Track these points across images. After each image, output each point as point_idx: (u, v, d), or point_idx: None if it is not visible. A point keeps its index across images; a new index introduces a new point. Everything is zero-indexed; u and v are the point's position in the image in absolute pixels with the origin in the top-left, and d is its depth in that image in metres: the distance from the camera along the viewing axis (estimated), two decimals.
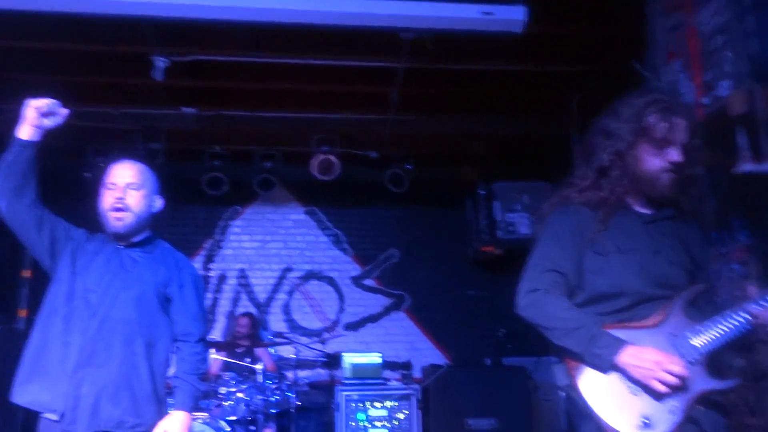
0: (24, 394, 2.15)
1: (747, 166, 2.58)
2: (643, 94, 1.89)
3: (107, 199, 2.29)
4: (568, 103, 4.87)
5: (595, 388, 1.68)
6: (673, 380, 1.62)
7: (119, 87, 4.73)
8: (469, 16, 3.08)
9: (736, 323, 1.67)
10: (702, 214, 1.90)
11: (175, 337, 2.35)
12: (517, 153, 5.90)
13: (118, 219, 2.27)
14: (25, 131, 2.14)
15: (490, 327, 5.72)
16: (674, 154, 1.78)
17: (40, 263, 2.30)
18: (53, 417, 2.12)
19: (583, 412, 1.69)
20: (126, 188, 2.30)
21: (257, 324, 5.51)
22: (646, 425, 1.62)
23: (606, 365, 1.67)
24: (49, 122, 2.16)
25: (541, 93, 4.95)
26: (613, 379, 1.68)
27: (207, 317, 2.53)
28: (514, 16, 3.10)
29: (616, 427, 1.63)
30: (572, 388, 1.72)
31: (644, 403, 1.65)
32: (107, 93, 4.71)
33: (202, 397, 2.34)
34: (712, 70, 2.80)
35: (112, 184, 2.30)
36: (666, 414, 1.64)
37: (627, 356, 1.65)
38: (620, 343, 1.68)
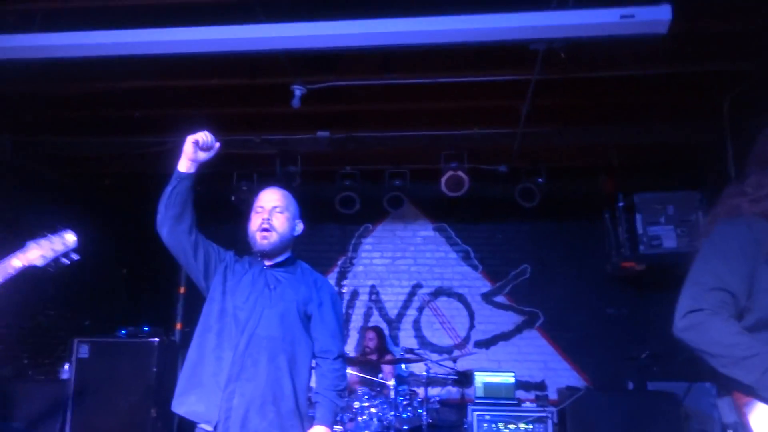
0: (182, 404, 2.32)
1: None
2: None
3: (255, 221, 2.47)
4: (719, 104, 4.45)
5: None
6: None
7: (260, 116, 5.05)
8: (606, 21, 2.91)
9: None
10: None
11: (314, 354, 2.44)
12: (661, 161, 5.51)
13: (264, 238, 2.43)
14: (184, 164, 2.34)
15: (631, 348, 5.35)
16: None
17: (195, 283, 2.50)
18: (208, 428, 2.27)
19: None
20: (272, 211, 2.46)
21: (383, 337, 5.58)
22: None
23: None
24: (204, 155, 2.36)
25: (686, 96, 4.57)
26: None
27: (345, 335, 2.61)
28: (659, 17, 2.86)
29: None
30: (742, 427, 1.54)
31: None
32: (249, 122, 5.06)
33: (340, 412, 2.41)
34: None
35: (260, 207, 2.48)
36: None
37: None
38: None
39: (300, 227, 2.55)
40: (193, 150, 2.32)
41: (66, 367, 4.82)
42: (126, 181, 6.00)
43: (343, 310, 6.21)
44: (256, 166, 5.55)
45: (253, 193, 2.62)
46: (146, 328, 4.84)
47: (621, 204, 5.47)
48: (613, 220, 5.59)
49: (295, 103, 4.02)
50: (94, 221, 5.54)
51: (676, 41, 3.27)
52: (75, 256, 2.52)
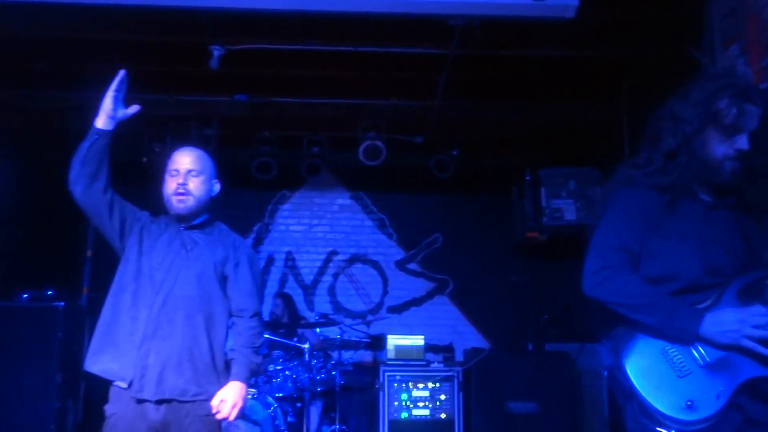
0: (96, 363, 2.32)
1: None
2: (715, 77, 1.85)
3: (170, 185, 2.45)
4: (619, 88, 4.80)
5: (641, 368, 1.70)
6: (765, 333, 1.63)
7: (175, 75, 4.88)
8: (520, 2, 3.08)
9: None
10: (766, 204, 1.85)
11: (231, 313, 2.48)
12: (565, 139, 5.84)
13: (180, 201, 2.43)
14: (102, 120, 2.29)
15: (532, 313, 5.73)
16: (741, 142, 1.74)
17: (110, 244, 2.47)
18: (122, 384, 2.29)
19: (626, 392, 1.72)
20: (187, 174, 2.45)
21: (291, 303, 5.64)
22: (689, 407, 1.65)
23: (690, 337, 1.68)
24: (123, 113, 2.31)
25: (590, 78, 4.87)
26: (659, 360, 1.71)
27: (261, 294, 2.68)
28: (567, 2, 3.07)
29: (659, 408, 1.65)
30: (617, 368, 1.74)
31: (690, 386, 1.67)
32: (164, 81, 4.86)
33: (256, 369, 2.48)
34: None
35: (175, 170, 2.46)
36: (711, 398, 1.66)
37: (710, 324, 1.66)
38: (700, 314, 1.68)
39: (217, 187, 2.56)
40: (113, 106, 2.26)
41: None
42: (26, 137, 5.63)
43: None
44: (169, 128, 5.38)
45: (166, 156, 2.59)
46: (50, 292, 4.64)
47: (528, 178, 5.79)
48: (521, 192, 5.91)
49: (213, 63, 3.94)
50: None
51: (583, 26, 3.49)
52: None
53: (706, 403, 1.65)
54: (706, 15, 3.11)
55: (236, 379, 2.39)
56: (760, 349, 1.63)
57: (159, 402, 2.27)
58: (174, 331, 2.32)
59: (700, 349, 1.70)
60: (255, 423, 3.93)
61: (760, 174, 1.81)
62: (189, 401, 2.31)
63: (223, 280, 2.48)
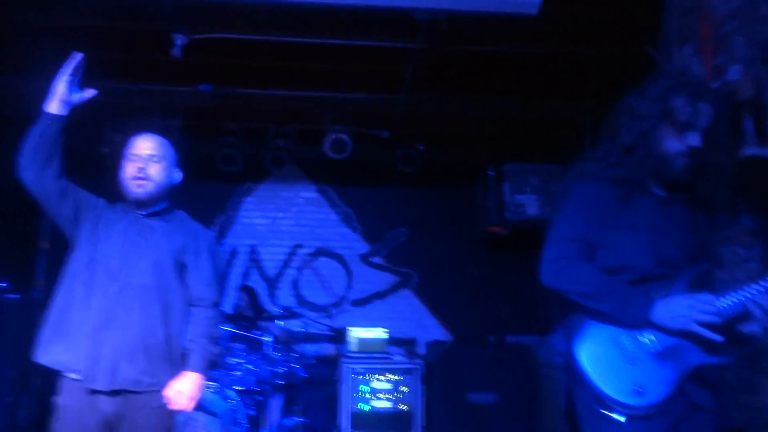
0: (47, 354, 2.27)
1: (751, 150, 2.62)
2: (672, 76, 1.90)
3: (129, 170, 2.39)
4: (582, 85, 4.88)
5: (592, 354, 1.75)
6: (712, 318, 1.69)
7: (138, 64, 4.75)
8: None
9: (735, 302, 1.71)
10: (716, 199, 1.91)
11: (189, 302, 2.44)
12: (529, 135, 5.91)
13: (139, 186, 2.37)
14: (54, 105, 2.21)
15: (495, 306, 5.81)
16: (693, 139, 1.79)
17: (62, 232, 2.40)
18: (75, 376, 2.24)
19: (577, 377, 1.76)
20: (147, 160, 2.40)
21: (255, 296, 5.60)
22: (637, 393, 1.70)
23: (642, 322, 1.73)
24: (78, 97, 2.24)
25: (554, 75, 4.94)
26: (611, 347, 1.75)
27: (222, 284, 2.64)
28: None
29: (608, 393, 1.70)
30: (569, 354, 1.79)
31: (640, 373, 1.72)
32: (126, 70, 4.74)
33: (214, 359, 2.45)
34: (723, 54, 2.83)
35: (135, 155, 2.40)
36: (660, 385, 1.71)
37: (661, 310, 1.72)
38: (651, 300, 1.74)
39: (178, 175, 2.51)
40: (66, 90, 2.20)
41: None
42: None
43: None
44: (132, 118, 5.26)
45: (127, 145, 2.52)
46: (4, 284, 4.51)
47: (491, 173, 5.86)
48: (484, 187, 5.97)
49: (176, 52, 3.87)
50: None
51: (547, 23, 3.55)
52: None
53: (655, 389, 1.70)
54: (664, 15, 3.19)
55: (193, 369, 2.36)
56: (709, 333, 1.69)
57: (112, 393, 2.22)
58: (130, 320, 2.27)
59: (652, 337, 1.75)
60: (214, 415, 3.89)
61: (711, 170, 1.86)
62: (143, 392, 2.27)
63: (181, 269, 2.43)
